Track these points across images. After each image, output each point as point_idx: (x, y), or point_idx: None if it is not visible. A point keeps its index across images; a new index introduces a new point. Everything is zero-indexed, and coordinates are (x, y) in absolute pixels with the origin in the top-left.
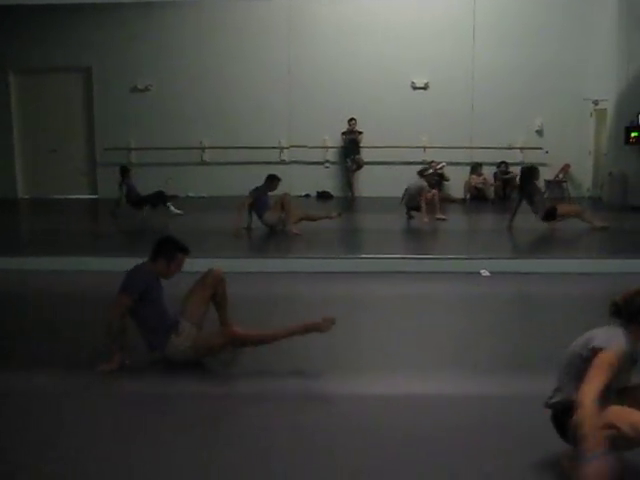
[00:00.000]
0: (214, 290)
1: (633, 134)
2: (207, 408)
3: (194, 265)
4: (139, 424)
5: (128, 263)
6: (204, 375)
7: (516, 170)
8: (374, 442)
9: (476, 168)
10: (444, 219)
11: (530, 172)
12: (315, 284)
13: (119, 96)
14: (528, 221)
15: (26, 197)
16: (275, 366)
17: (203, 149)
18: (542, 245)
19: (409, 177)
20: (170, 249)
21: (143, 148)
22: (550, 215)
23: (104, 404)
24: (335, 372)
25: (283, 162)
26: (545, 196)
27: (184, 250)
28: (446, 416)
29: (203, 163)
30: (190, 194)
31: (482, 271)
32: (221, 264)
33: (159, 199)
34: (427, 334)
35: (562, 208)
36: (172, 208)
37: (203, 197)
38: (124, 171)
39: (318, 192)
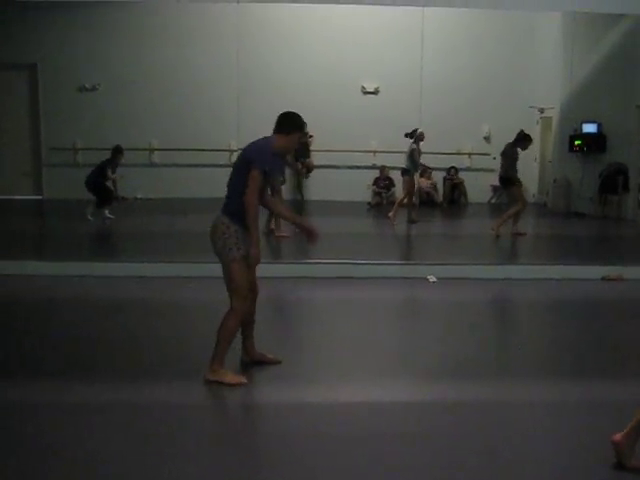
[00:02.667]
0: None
1: (577, 142)
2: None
3: (141, 270)
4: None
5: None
6: (170, 385)
7: (464, 176)
8: (319, 449)
9: (426, 172)
10: (394, 224)
11: (520, 137)
12: (262, 289)
13: (66, 95)
14: (477, 228)
15: None
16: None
17: (152, 150)
18: (488, 252)
19: (358, 181)
20: (298, 123)
21: (90, 148)
22: (508, 182)
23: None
24: (282, 381)
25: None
26: (493, 201)
27: (302, 126)
28: (396, 423)
29: (152, 165)
30: (138, 196)
31: (429, 277)
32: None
33: (109, 198)
34: (374, 341)
35: (519, 190)
36: (107, 212)
37: (151, 199)
38: (118, 151)
39: None
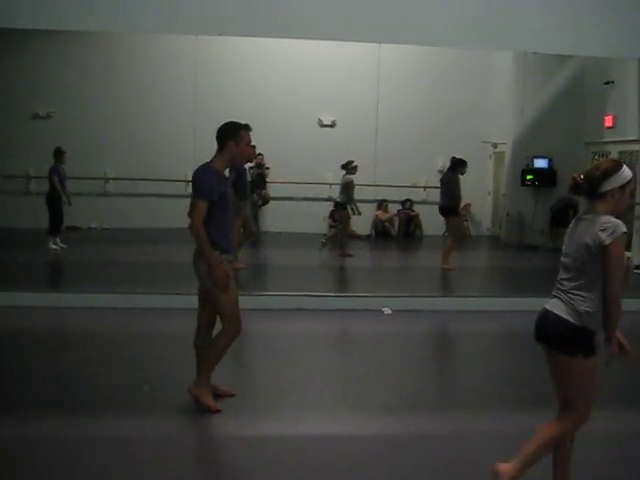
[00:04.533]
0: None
1: (528, 177)
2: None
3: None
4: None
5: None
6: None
7: (419, 209)
8: None
9: (382, 204)
10: (351, 255)
11: (455, 163)
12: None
13: (19, 122)
14: (431, 260)
15: None
16: (177, 407)
17: (107, 180)
18: (441, 284)
19: (314, 212)
20: (233, 130)
21: (43, 177)
22: (449, 211)
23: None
24: (238, 413)
25: (189, 195)
26: (447, 234)
27: (245, 126)
28: (348, 456)
29: (106, 194)
30: (92, 225)
31: (384, 309)
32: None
33: (60, 225)
34: (329, 372)
35: (459, 220)
36: (57, 241)
37: (105, 229)
38: (60, 153)
39: None
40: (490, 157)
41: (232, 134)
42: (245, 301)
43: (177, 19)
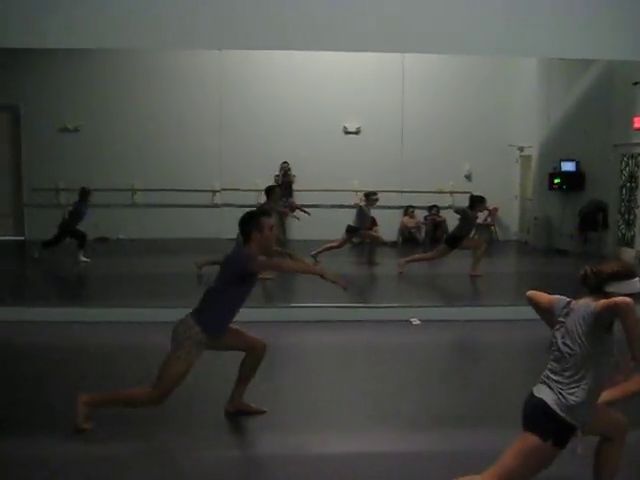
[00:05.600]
0: (246, 355)
1: (556, 180)
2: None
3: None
4: None
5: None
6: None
7: (445, 215)
8: None
9: (408, 210)
10: (377, 264)
11: (474, 200)
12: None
13: (48, 136)
14: (459, 267)
15: None
16: (202, 423)
17: (134, 191)
18: (470, 292)
19: (341, 220)
20: (254, 220)
21: (72, 189)
22: (459, 240)
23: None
24: (269, 431)
25: (215, 205)
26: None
27: (265, 213)
28: (379, 474)
29: (134, 205)
30: (121, 236)
31: (412, 319)
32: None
33: (84, 240)
34: (358, 386)
35: (472, 240)
36: (81, 255)
37: (134, 240)
38: (85, 193)
39: None
40: (516, 161)
41: (255, 224)
42: (270, 313)
43: (201, 34)
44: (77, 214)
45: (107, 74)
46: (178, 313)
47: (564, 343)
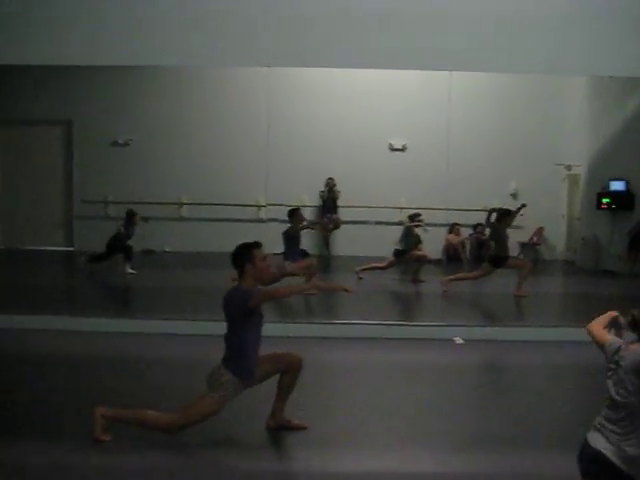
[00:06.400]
0: (284, 372)
1: (605, 200)
2: None
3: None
4: None
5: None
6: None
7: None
8: None
9: (454, 228)
10: (422, 281)
11: (501, 214)
12: (285, 350)
13: (99, 150)
14: (504, 286)
15: (1, 247)
16: (248, 440)
17: (181, 205)
18: (516, 312)
19: (385, 237)
20: (245, 253)
21: (121, 202)
22: (499, 261)
23: None
24: (302, 447)
25: (261, 220)
26: (520, 257)
27: (256, 244)
28: None
29: (181, 219)
30: (167, 249)
31: (456, 339)
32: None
33: (130, 253)
34: (397, 405)
35: (515, 260)
36: (127, 267)
37: (179, 253)
38: (131, 215)
39: None
40: (564, 180)
41: (246, 257)
42: (312, 329)
43: (252, 51)
44: (126, 236)
45: (157, 90)
46: (218, 327)
47: (617, 392)
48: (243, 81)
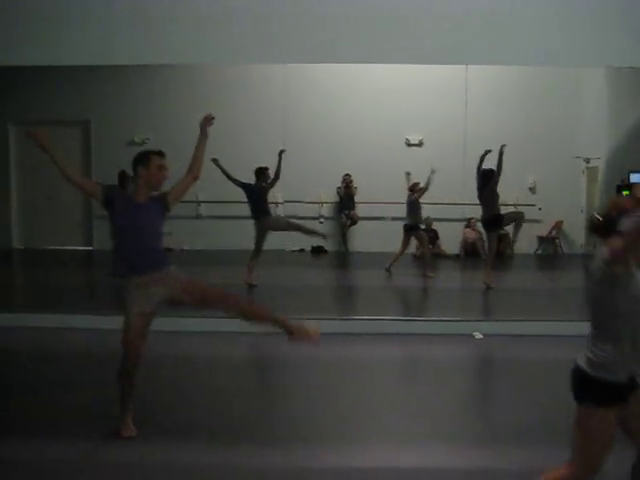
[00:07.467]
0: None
1: (624, 192)
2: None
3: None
4: None
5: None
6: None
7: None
8: None
9: (471, 222)
10: (430, 276)
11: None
12: (304, 346)
13: (116, 149)
14: (523, 281)
15: (20, 247)
16: (261, 435)
17: (198, 203)
18: (536, 307)
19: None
20: (143, 157)
21: None
22: (495, 223)
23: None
24: (320, 442)
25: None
26: (539, 252)
27: (158, 152)
28: None
29: (198, 217)
30: (185, 248)
31: (475, 333)
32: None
33: None
34: (418, 401)
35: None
36: None
37: (198, 251)
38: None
39: (312, 247)
40: (583, 173)
41: (141, 160)
42: (327, 325)
43: (268, 49)
44: None
45: (172, 88)
46: (228, 323)
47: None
48: (259, 78)
